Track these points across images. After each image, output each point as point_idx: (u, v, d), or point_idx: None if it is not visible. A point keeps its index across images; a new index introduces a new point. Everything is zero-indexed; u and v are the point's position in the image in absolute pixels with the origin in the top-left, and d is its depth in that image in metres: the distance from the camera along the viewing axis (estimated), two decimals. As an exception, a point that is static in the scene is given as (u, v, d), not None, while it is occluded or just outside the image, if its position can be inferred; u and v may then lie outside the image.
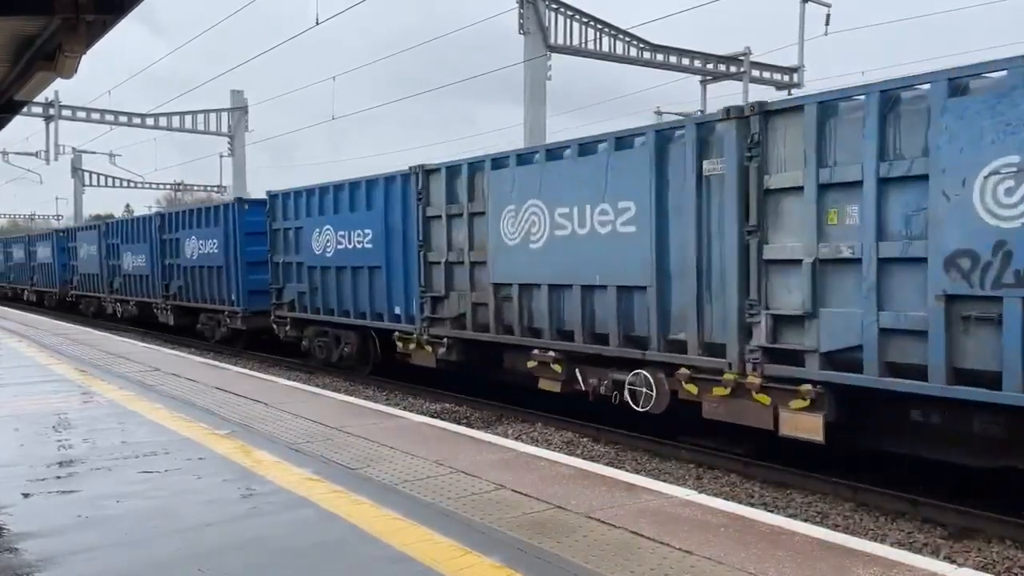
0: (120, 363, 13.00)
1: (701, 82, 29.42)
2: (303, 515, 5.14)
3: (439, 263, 11.84)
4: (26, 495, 5.69)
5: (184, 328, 21.17)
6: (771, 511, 6.35)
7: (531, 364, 10.36)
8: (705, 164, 8.18)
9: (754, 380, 7.67)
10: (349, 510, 5.17)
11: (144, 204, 66.26)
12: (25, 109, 16.37)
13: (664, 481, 6.91)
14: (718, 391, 8.03)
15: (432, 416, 10.02)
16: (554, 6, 23.37)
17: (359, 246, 13.72)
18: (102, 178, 52.93)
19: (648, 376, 8.95)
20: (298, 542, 4.65)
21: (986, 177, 6.08)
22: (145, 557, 4.47)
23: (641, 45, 26.61)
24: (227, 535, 4.81)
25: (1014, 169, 5.94)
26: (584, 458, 8.08)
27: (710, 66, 28.80)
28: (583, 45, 24.69)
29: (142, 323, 24.22)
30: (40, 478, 6.10)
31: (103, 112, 36.87)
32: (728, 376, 7.91)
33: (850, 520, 7.00)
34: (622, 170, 9.01)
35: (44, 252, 32.99)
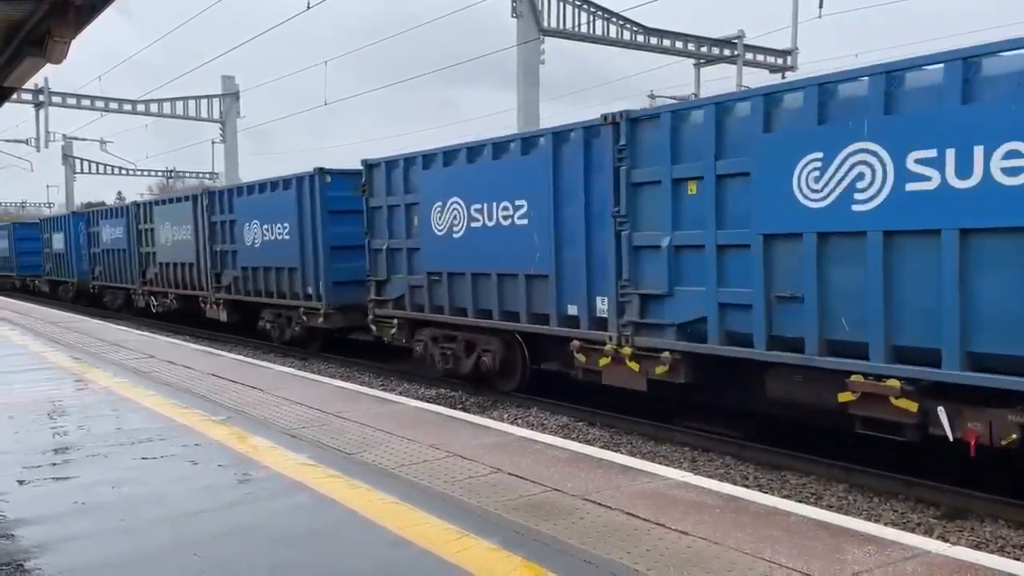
0: (114, 350, 12.97)
1: (695, 65, 29.37)
2: (299, 500, 5.14)
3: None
4: (21, 482, 5.68)
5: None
6: (765, 492, 6.38)
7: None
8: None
9: None
10: (345, 494, 5.18)
11: (136, 191, 65.88)
12: (15, 96, 16.25)
13: (659, 464, 6.93)
14: None
15: (428, 401, 10.03)
16: (547, -11, 23.26)
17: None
18: (93, 165, 52.62)
19: None
20: (295, 527, 4.65)
21: None
22: (141, 543, 4.47)
23: (635, 28, 26.54)
24: (223, 521, 4.81)
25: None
26: (580, 441, 8.10)
27: (704, 49, 28.76)
28: (576, 28, 24.60)
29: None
30: (35, 465, 6.09)
31: (93, 99, 36.65)
32: None
33: (844, 501, 7.05)
34: None
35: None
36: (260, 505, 5.08)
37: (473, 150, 11.13)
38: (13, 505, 5.17)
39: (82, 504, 5.17)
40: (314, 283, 14.97)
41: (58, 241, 29.59)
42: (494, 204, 10.70)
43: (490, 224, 10.82)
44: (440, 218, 11.58)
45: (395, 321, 12.73)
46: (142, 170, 54.14)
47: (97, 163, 52.51)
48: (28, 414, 7.98)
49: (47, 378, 10.29)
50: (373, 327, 13.33)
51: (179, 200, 20.69)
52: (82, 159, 52.42)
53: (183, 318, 21.05)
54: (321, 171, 14.57)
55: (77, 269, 27.88)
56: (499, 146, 10.76)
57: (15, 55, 6.34)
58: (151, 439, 6.82)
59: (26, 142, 42.93)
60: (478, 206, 10.96)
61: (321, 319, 14.83)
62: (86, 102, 36.59)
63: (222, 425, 7.31)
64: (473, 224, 11.06)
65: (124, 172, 53.58)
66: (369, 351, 15.82)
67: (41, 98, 35.05)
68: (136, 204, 23.51)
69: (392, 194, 12.62)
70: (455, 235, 11.34)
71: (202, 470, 5.90)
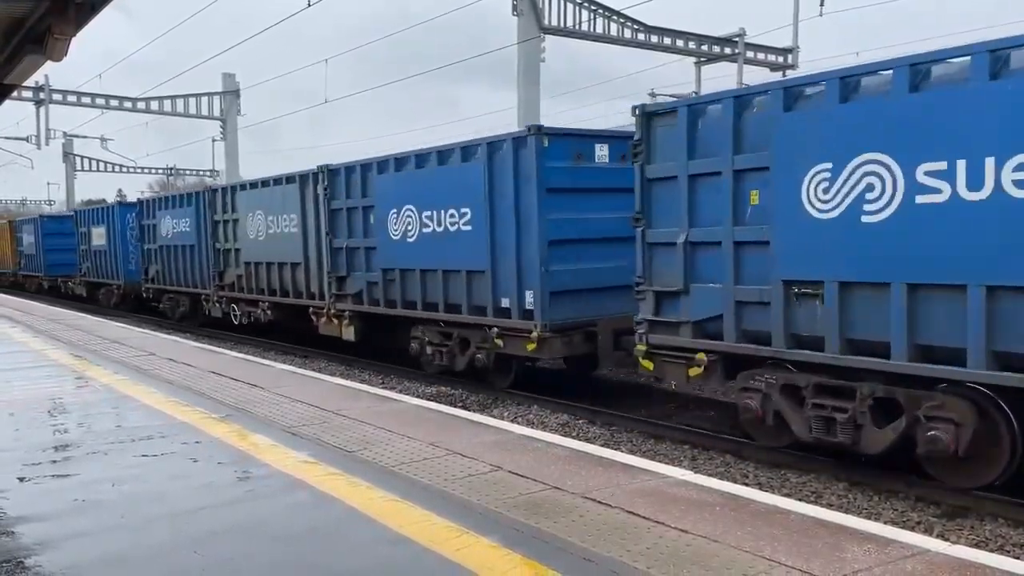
0: (115, 348, 12.97)
1: (696, 64, 29.35)
2: (300, 498, 5.14)
3: None
4: (22, 479, 5.69)
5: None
6: (766, 491, 6.37)
7: None
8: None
9: None
10: (346, 492, 5.18)
11: (136, 189, 65.87)
12: (15, 93, 16.17)
13: (660, 462, 6.93)
14: None
15: (428, 399, 10.02)
16: (547, -13, 23.26)
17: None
18: (93, 163, 52.62)
19: None
20: (295, 524, 4.65)
21: None
22: (141, 541, 4.48)
23: (635, 27, 26.53)
24: (223, 518, 4.81)
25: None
26: (580, 439, 8.09)
27: (704, 48, 28.74)
28: (577, 27, 24.58)
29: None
30: (36, 462, 6.10)
31: (94, 96, 36.63)
32: None
33: (844, 499, 7.04)
34: None
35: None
36: (260, 503, 5.08)
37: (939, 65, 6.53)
38: (13, 502, 5.17)
39: (82, 502, 5.17)
40: (515, 293, 10.55)
41: (99, 236, 25.57)
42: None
43: (973, 196, 6.12)
44: (835, 190, 6.98)
45: (699, 357, 8.23)
46: (142, 168, 54.13)
47: (97, 161, 52.53)
48: (28, 412, 7.98)
49: (47, 375, 10.30)
50: (645, 363, 8.80)
51: (278, 183, 16.05)
52: (82, 157, 52.40)
53: (284, 333, 17.11)
54: (539, 130, 10.11)
55: (123, 269, 24.01)
56: None
57: (15, 52, 6.34)
58: (151, 437, 6.83)
59: (27, 139, 42.89)
60: (935, 165, 6.34)
61: (532, 345, 10.26)
62: (86, 100, 36.57)
63: (222, 423, 7.31)
64: (922, 198, 6.43)
65: (124, 170, 53.58)
66: (370, 350, 14.95)
67: (42, 96, 35.02)
68: (211, 190, 18.88)
69: (702, 155, 8.03)
70: (869, 218, 6.76)
71: (202, 468, 5.90)
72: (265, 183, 16.53)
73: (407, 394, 10.53)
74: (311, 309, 14.72)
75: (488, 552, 4.15)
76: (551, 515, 4.66)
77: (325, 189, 14.01)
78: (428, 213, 11.76)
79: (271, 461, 5.98)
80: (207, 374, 10.17)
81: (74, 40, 5.59)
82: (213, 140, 41.03)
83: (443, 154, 11.64)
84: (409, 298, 12.21)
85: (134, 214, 23.25)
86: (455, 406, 9.99)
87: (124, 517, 4.86)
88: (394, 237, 12.49)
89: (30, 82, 30.42)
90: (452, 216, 11.37)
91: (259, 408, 7.95)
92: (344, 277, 13.62)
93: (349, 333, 13.76)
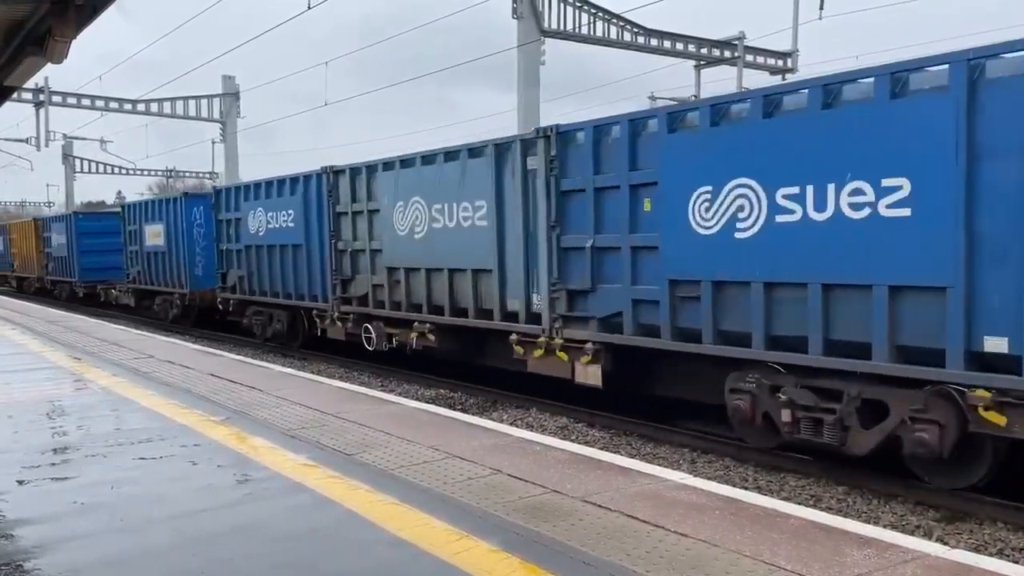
0: (113, 350, 12.97)
1: (695, 67, 29.37)
2: (299, 500, 5.14)
3: None
4: (21, 482, 5.68)
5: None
6: (765, 494, 6.38)
7: None
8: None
9: None
10: (345, 495, 5.18)
11: (136, 191, 66.05)
12: (15, 95, 16.13)
13: (659, 465, 6.93)
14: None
15: (427, 402, 10.03)
16: (548, -10, 23.32)
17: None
18: (93, 165, 52.66)
19: None
20: (294, 527, 4.65)
21: None
22: (140, 543, 4.47)
23: (635, 30, 26.58)
24: (222, 521, 4.81)
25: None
26: (579, 443, 8.11)
27: (704, 51, 28.76)
28: (576, 30, 24.62)
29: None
30: (35, 465, 6.09)
31: (94, 98, 36.65)
32: None
33: (843, 503, 7.05)
34: None
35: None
36: (260, 505, 5.08)
37: None
38: (12, 505, 5.16)
39: (82, 504, 5.17)
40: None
41: (154, 235, 21.32)
42: None
43: None
44: None
45: None
46: (142, 170, 54.14)
47: (97, 163, 52.57)
48: (27, 414, 7.97)
49: (46, 378, 10.29)
50: None
51: (452, 157, 11.33)
52: (82, 158, 52.47)
53: (448, 366, 12.79)
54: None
55: (189, 274, 19.71)
56: None
57: (16, 54, 6.34)
58: (151, 439, 6.82)
59: (26, 141, 42.90)
60: None
61: None
62: (86, 102, 36.57)
63: (222, 425, 7.31)
64: None
65: (124, 172, 53.61)
66: (368, 351, 14.35)
67: (41, 97, 35.02)
68: (333, 171, 13.84)
69: None
70: None
71: (202, 470, 5.90)
72: (428, 159, 11.82)
73: (406, 396, 10.54)
74: (515, 337, 10.32)
75: (487, 556, 4.15)
76: (550, 519, 4.65)
77: (551, 163, 9.61)
78: (789, 190, 7.22)
79: (270, 464, 5.98)
80: (206, 376, 10.17)
81: (74, 42, 5.59)
82: (213, 142, 41.07)
83: (831, 90, 7.04)
84: (727, 327, 7.93)
85: (204, 207, 19.20)
86: (454, 409, 9.99)
87: (124, 519, 4.86)
88: (701, 230, 8.03)
89: (30, 84, 30.45)
90: (858, 194, 6.74)
91: (258, 411, 7.95)
92: (583, 292, 9.48)
93: (592, 375, 9.28)
